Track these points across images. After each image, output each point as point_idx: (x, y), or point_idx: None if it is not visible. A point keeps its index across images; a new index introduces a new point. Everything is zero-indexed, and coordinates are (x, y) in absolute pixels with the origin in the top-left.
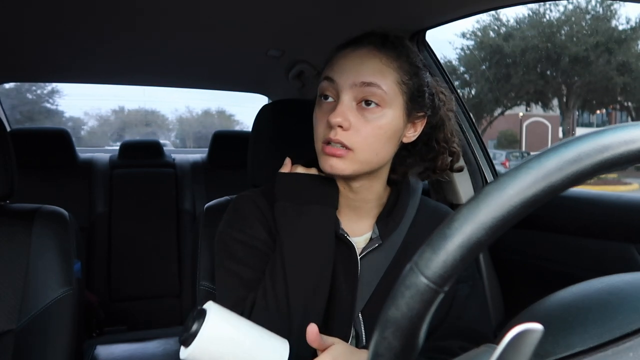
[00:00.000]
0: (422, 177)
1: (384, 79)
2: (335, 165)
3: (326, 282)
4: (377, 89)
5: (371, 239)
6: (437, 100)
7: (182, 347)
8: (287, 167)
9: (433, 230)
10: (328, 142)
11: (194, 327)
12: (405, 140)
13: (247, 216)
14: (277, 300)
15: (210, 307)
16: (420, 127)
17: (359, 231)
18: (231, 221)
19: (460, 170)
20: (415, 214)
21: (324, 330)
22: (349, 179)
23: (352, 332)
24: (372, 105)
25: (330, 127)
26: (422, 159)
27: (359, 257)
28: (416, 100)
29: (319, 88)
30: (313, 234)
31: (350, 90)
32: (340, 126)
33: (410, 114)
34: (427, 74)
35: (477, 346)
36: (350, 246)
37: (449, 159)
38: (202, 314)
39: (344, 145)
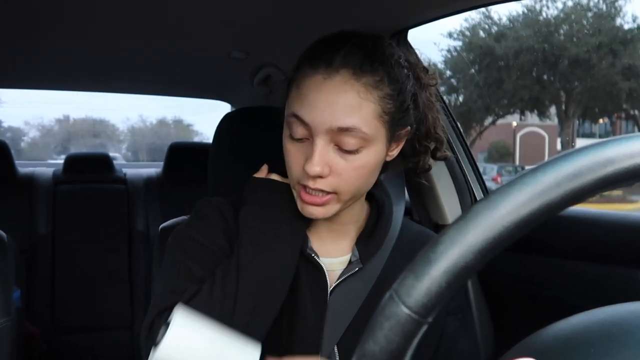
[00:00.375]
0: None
1: (362, 119)
2: (316, 213)
3: (275, 301)
4: (356, 133)
5: (350, 262)
6: (420, 97)
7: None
8: (262, 173)
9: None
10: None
11: (159, 336)
12: (389, 158)
13: (208, 219)
14: (223, 298)
15: (176, 313)
16: (404, 138)
17: (336, 252)
18: (190, 222)
19: (444, 158)
20: (398, 236)
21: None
22: None
23: None
24: (352, 149)
25: (305, 171)
26: (403, 159)
27: (329, 282)
28: (399, 123)
29: (287, 124)
30: (275, 246)
31: (325, 135)
32: (320, 176)
33: (393, 137)
34: (410, 74)
35: None
36: (319, 269)
37: (433, 145)
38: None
39: (324, 192)
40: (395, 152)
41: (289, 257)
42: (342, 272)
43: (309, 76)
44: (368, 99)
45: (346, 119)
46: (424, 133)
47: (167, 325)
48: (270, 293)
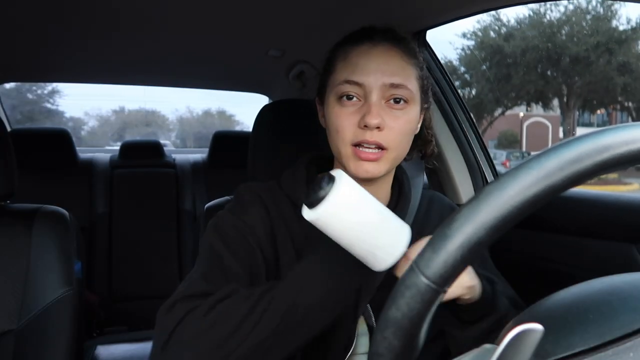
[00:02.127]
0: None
1: (408, 78)
2: (371, 169)
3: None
4: (404, 89)
5: None
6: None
7: (306, 209)
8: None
9: (438, 218)
10: (357, 145)
11: (323, 190)
12: (416, 130)
13: (249, 206)
14: (248, 314)
15: (341, 174)
16: (421, 118)
17: None
18: (232, 207)
19: (432, 154)
20: (419, 203)
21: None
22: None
23: (364, 326)
24: (401, 102)
25: (361, 128)
26: (415, 146)
27: None
28: (426, 93)
29: (335, 92)
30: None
31: (379, 91)
32: (378, 127)
33: (422, 107)
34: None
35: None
36: None
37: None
38: (332, 179)
39: (379, 146)
40: (418, 126)
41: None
42: None
43: (355, 48)
44: (409, 62)
45: (396, 77)
46: (428, 124)
47: (328, 180)
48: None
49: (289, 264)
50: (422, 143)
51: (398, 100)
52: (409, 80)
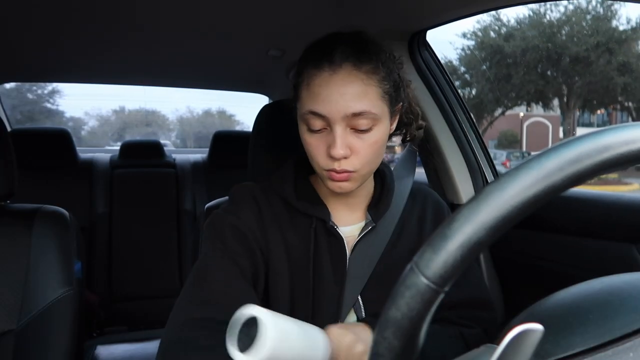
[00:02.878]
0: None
1: (369, 102)
2: (345, 186)
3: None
4: (367, 115)
5: (365, 224)
6: (401, 75)
7: (238, 354)
8: None
9: (426, 215)
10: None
11: (248, 337)
12: (391, 131)
13: (240, 203)
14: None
15: (263, 315)
16: (398, 114)
17: (352, 221)
18: (227, 207)
19: (421, 128)
20: (408, 199)
21: (314, 316)
22: None
23: (354, 317)
24: (365, 129)
25: (329, 156)
26: (395, 132)
27: (347, 245)
28: (396, 99)
29: (303, 121)
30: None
31: (342, 121)
32: (345, 157)
33: (393, 112)
34: (392, 58)
35: (481, 311)
36: (338, 237)
37: (412, 118)
38: (252, 319)
39: (347, 171)
40: (394, 126)
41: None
42: (359, 232)
43: (316, 75)
44: (371, 84)
45: (357, 105)
46: (407, 107)
47: (247, 327)
48: None
49: (279, 261)
50: (401, 127)
51: (363, 128)
52: (373, 103)
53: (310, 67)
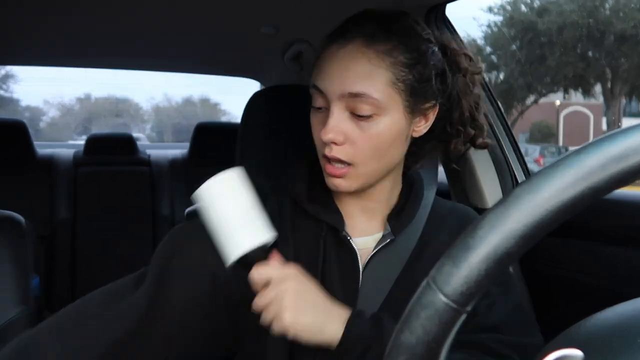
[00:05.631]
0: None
1: (373, 85)
2: (339, 184)
3: None
4: (366, 99)
5: (383, 236)
6: (451, 78)
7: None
8: None
9: (451, 230)
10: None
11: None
12: (416, 134)
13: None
14: None
15: (234, 170)
16: (432, 115)
17: (369, 230)
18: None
19: (484, 147)
20: (430, 212)
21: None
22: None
23: None
24: (364, 115)
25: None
26: (438, 142)
27: (361, 261)
28: (420, 93)
29: (311, 95)
30: None
31: (339, 101)
32: (334, 142)
33: (415, 109)
34: (436, 49)
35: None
36: (352, 252)
37: (472, 132)
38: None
39: (341, 161)
40: (422, 129)
41: None
42: (375, 246)
43: (326, 48)
44: (380, 65)
45: (356, 85)
46: (457, 117)
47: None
48: None
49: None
50: (444, 137)
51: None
52: (377, 87)
53: (325, 39)
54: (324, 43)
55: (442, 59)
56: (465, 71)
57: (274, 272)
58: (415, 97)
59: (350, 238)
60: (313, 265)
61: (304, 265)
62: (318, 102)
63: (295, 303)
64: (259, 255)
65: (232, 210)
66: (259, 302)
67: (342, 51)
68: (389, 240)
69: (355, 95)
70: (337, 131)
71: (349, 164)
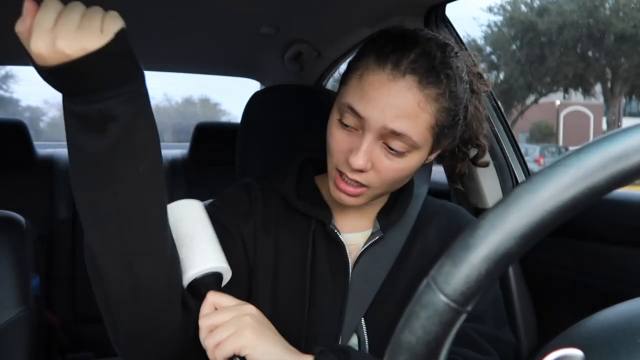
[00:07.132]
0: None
1: (415, 128)
2: (346, 201)
3: None
4: (406, 139)
5: (372, 233)
6: (470, 107)
7: None
8: None
9: (440, 227)
10: (341, 172)
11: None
12: (428, 161)
13: (226, 200)
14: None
15: (193, 201)
16: (442, 149)
17: (359, 227)
18: (211, 203)
19: (484, 165)
20: (420, 210)
21: (308, 337)
22: None
23: (355, 339)
24: (398, 151)
25: (348, 159)
26: (439, 162)
27: (350, 257)
28: (449, 135)
29: (338, 109)
30: None
31: (376, 132)
32: (362, 170)
33: (439, 145)
34: (467, 88)
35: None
36: (340, 245)
37: (474, 152)
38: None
39: (359, 183)
40: (433, 157)
41: None
42: (365, 242)
43: (374, 72)
44: (426, 110)
45: (401, 124)
46: (465, 140)
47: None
48: None
49: (265, 267)
50: (450, 159)
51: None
52: (418, 130)
53: (373, 60)
54: (370, 65)
55: (469, 94)
56: (478, 94)
57: (232, 303)
58: (441, 137)
59: (339, 232)
60: (303, 259)
61: (292, 259)
62: (350, 121)
63: (256, 338)
64: (212, 284)
65: (192, 233)
66: (211, 338)
67: (393, 85)
68: (378, 237)
69: (395, 133)
70: (367, 160)
71: (365, 186)
